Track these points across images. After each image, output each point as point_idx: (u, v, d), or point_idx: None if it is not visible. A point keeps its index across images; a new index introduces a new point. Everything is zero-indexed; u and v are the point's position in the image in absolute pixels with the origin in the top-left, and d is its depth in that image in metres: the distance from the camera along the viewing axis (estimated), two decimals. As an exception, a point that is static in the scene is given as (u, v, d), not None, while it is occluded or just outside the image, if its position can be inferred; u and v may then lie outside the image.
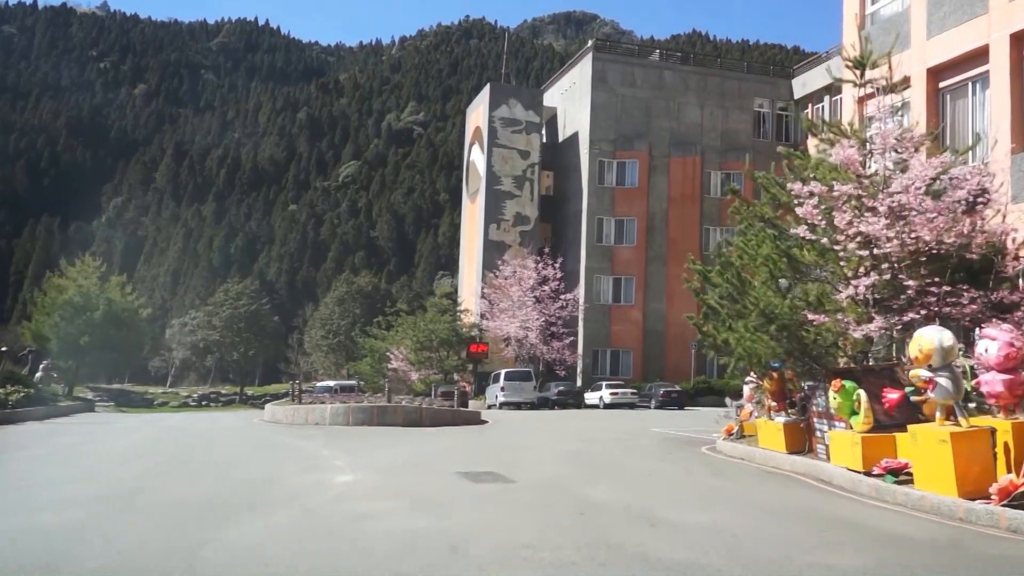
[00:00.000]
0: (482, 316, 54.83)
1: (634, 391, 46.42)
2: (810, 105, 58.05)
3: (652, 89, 57.37)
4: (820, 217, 14.19)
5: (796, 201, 14.76)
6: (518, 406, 44.28)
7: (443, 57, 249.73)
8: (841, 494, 12.08)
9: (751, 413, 19.41)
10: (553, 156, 61.45)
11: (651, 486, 12.50)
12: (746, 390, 19.74)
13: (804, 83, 58.27)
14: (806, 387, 17.03)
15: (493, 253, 56.67)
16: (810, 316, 14.02)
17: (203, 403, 72.37)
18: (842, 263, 14.38)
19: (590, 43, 58.38)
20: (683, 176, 56.79)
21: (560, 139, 61.89)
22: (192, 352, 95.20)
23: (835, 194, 13.95)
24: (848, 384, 13.82)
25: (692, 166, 56.95)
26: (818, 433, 15.17)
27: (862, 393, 13.48)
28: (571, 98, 60.16)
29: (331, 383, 58.01)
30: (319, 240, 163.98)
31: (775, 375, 16.43)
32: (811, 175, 14.50)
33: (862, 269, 14.70)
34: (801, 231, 14.70)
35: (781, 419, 16.04)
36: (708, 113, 58.09)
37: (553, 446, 19.06)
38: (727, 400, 51.79)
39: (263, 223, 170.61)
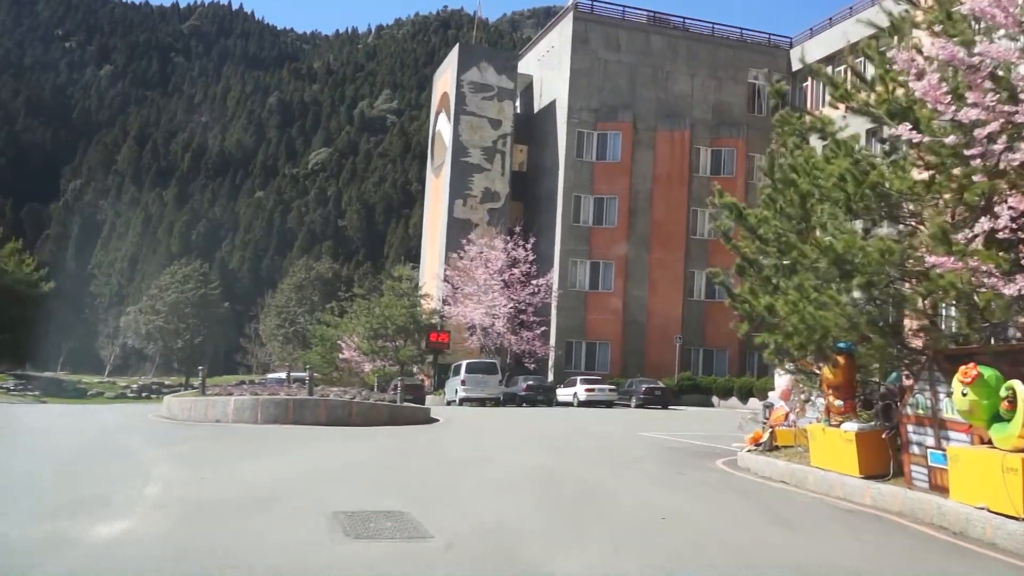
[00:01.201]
0: (444, 302, 49.10)
1: (612, 388, 41.09)
2: (811, 77, 52.82)
3: (638, 55, 51.79)
4: (949, 101, 8.68)
5: (900, 79, 9.33)
6: (481, 402, 39.20)
7: (420, 47, 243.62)
8: (1013, 563, 6.73)
9: (787, 416, 14.05)
10: (528, 129, 55.79)
11: (676, 548, 7.01)
12: (780, 383, 14.32)
13: (804, 53, 52.92)
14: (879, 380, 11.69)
15: (458, 232, 50.88)
16: (931, 259, 8.50)
17: (143, 394, 66.28)
18: (975, 179, 8.87)
19: (570, 1, 52.60)
20: (670, 152, 51.25)
21: (536, 110, 56.23)
22: (147, 340, 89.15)
23: (974, 59, 8.46)
24: (989, 374, 8.45)
25: (680, 141, 51.43)
26: (915, 449, 9.78)
27: (1020, 387, 8.09)
28: (549, 64, 54.48)
29: (282, 375, 52.73)
30: (286, 228, 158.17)
31: (842, 360, 10.98)
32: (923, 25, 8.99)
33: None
34: (903, 131, 9.21)
35: (853, 426, 10.59)
36: (699, 83, 52.59)
37: (511, 459, 13.57)
38: (714, 399, 46.91)
39: (227, 209, 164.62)
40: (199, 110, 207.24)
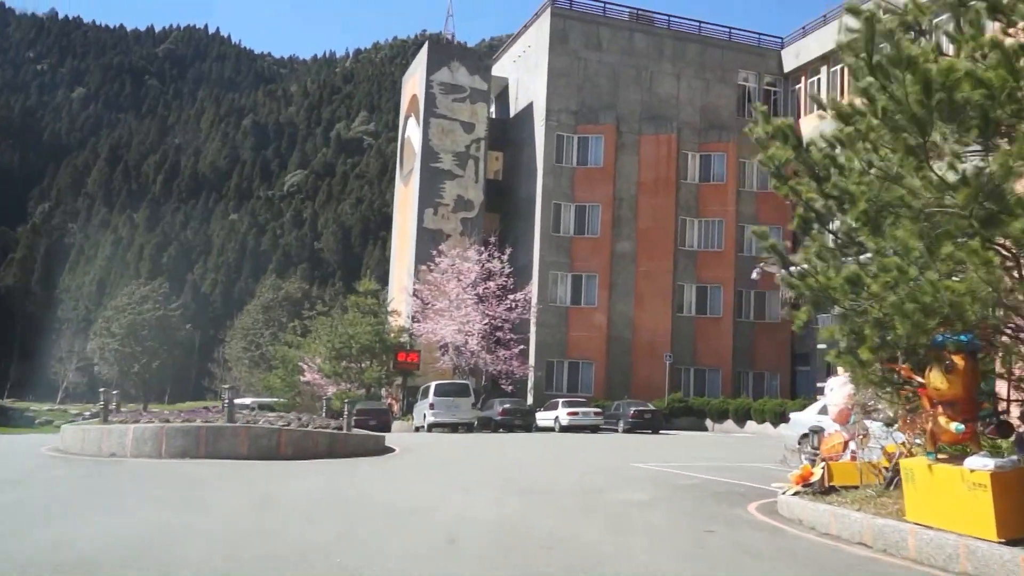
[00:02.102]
0: (413, 318, 45.09)
1: (598, 411, 37.31)
2: (803, 79, 49.49)
3: (621, 54, 48.27)
4: None
5: None
6: (453, 428, 35.34)
7: (398, 70, 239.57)
8: None
9: (846, 444, 10.25)
10: (504, 135, 52.09)
11: None
12: (835, 398, 10.44)
13: (797, 53, 49.70)
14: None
15: (428, 243, 46.96)
16: None
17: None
18: None
19: (548, -3, 49.02)
20: (656, 157, 47.65)
21: (512, 114, 52.58)
22: (103, 364, 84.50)
23: None
24: None
25: (667, 145, 47.84)
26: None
27: None
28: (525, 65, 50.88)
29: (248, 400, 48.95)
30: (260, 251, 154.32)
31: (960, 362, 7.18)
32: None
33: None
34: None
35: (986, 462, 6.78)
36: (685, 85, 49.11)
37: (468, 510, 9.71)
38: (707, 423, 43.10)
39: (200, 232, 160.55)
40: (172, 132, 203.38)
